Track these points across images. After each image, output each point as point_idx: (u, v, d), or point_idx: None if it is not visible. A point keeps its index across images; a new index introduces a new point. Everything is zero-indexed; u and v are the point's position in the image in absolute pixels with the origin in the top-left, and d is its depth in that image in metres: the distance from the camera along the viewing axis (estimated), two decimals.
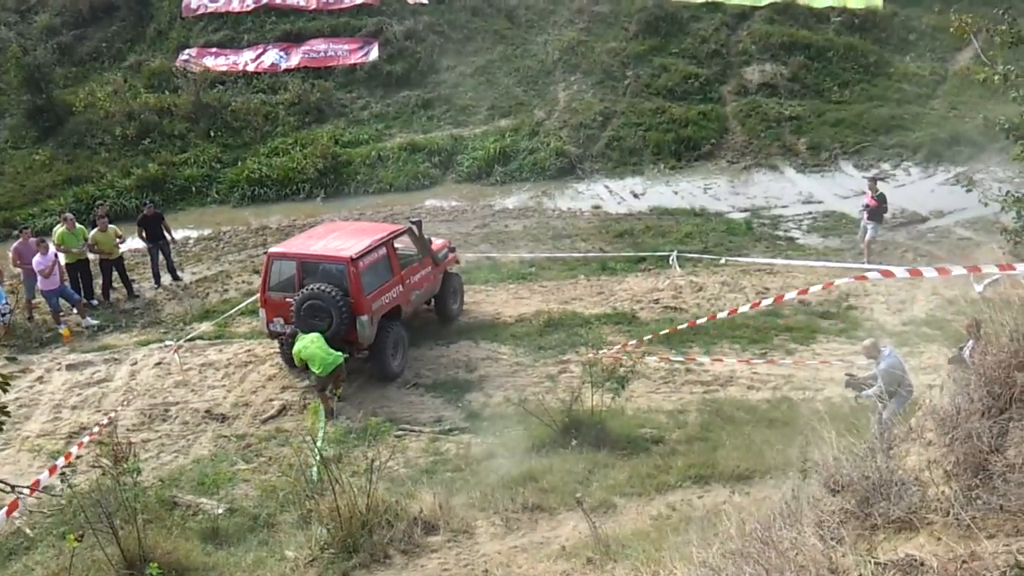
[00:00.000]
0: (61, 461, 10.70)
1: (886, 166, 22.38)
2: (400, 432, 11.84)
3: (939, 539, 4.34)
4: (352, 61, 26.52)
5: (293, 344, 12.53)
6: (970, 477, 4.62)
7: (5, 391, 5.03)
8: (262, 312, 13.60)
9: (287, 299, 13.05)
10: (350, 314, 12.75)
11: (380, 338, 13.23)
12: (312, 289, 12.73)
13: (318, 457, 9.37)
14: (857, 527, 4.75)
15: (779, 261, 17.40)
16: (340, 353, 12.48)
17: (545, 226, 20.06)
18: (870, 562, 4.28)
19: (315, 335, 12.43)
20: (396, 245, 14.27)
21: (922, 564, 4.16)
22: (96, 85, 25.67)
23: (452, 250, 15.95)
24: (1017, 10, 25.38)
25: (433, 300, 15.23)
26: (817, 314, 15.05)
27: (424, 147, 23.69)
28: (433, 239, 15.55)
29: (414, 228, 14.55)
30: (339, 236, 14.08)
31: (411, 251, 14.62)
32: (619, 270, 17.46)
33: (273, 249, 14.19)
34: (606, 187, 22.37)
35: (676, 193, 21.90)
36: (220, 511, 10.36)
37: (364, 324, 12.89)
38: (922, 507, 4.63)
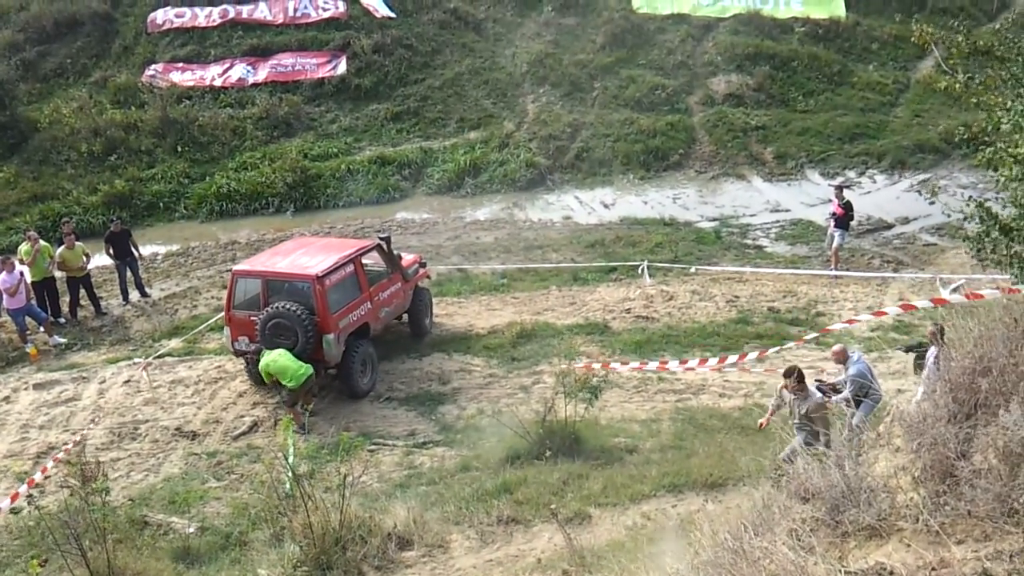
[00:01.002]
0: (24, 488, 10.55)
1: (852, 174, 22.67)
2: (373, 446, 11.79)
3: (908, 546, 4.39)
4: (320, 75, 26.42)
5: (259, 360, 12.37)
6: (938, 483, 4.68)
7: None
8: (227, 330, 13.43)
9: (252, 317, 12.88)
10: (316, 333, 12.57)
11: (348, 356, 13.08)
12: (277, 308, 12.57)
13: (290, 473, 9.29)
14: (828, 535, 4.79)
15: (748, 269, 17.57)
16: (310, 365, 12.38)
17: (516, 237, 20.10)
18: (841, 571, 4.32)
19: (281, 349, 12.31)
20: (365, 261, 14.16)
21: (892, 572, 4.22)
22: (61, 101, 25.34)
23: (423, 265, 15.82)
24: (975, 19, 25.93)
25: (406, 316, 15.13)
26: (786, 321, 15.20)
27: (394, 160, 23.64)
28: (403, 254, 15.42)
29: (383, 244, 14.41)
30: (306, 253, 13.91)
31: (380, 267, 14.51)
32: (590, 280, 17.53)
33: (237, 267, 14.05)
34: (576, 198, 22.46)
35: (646, 203, 22.03)
36: (191, 530, 10.26)
37: (331, 343, 12.74)
38: (891, 514, 4.68)
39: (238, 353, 13.52)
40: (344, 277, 13.34)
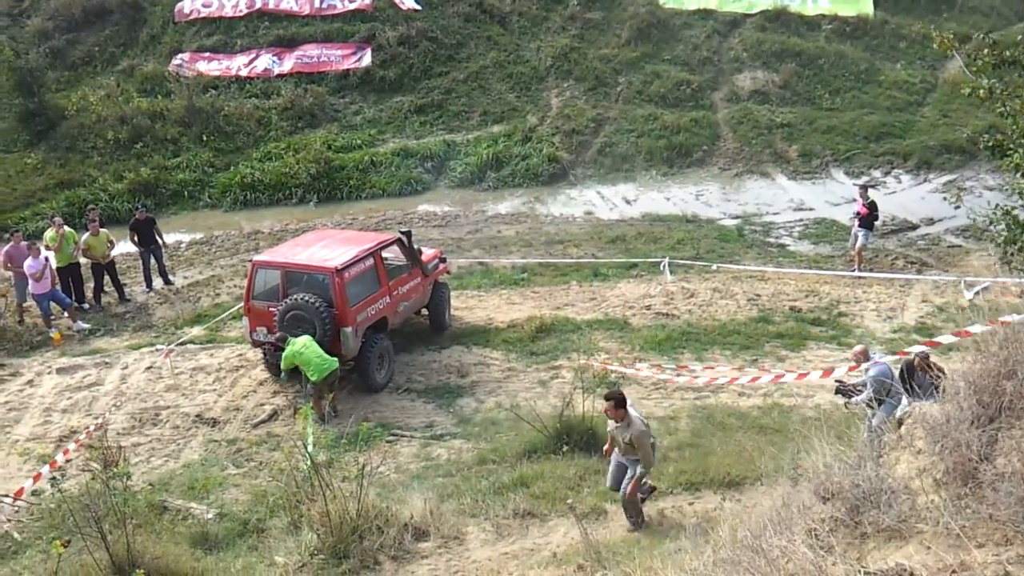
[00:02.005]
0: (46, 469, 10.67)
1: (877, 173, 22.47)
2: (391, 437, 11.84)
3: (929, 548, 4.35)
4: (345, 66, 26.51)
5: (284, 348, 12.32)
6: (960, 486, 4.63)
7: None
8: (245, 320, 13.46)
9: (271, 308, 12.90)
10: (333, 325, 12.58)
11: (365, 350, 13.07)
12: (295, 299, 12.58)
13: (309, 461, 9.34)
14: (847, 535, 4.76)
15: (770, 268, 17.46)
16: (335, 358, 12.38)
17: (537, 232, 20.08)
18: (860, 571, 4.29)
19: (307, 339, 12.26)
20: (385, 255, 14.14)
21: (912, 573, 4.18)
22: (89, 89, 25.60)
23: (443, 260, 15.77)
24: (1005, 19, 25.62)
25: (426, 310, 15.11)
26: (808, 321, 15.08)
27: (417, 152, 23.70)
28: (424, 249, 15.40)
29: (403, 238, 14.37)
30: (326, 245, 13.89)
31: (400, 261, 14.47)
32: (611, 276, 17.48)
33: (258, 257, 14.09)
34: (598, 193, 22.41)
35: (668, 199, 21.95)
36: (210, 516, 10.32)
37: (348, 336, 12.73)
38: (912, 516, 4.64)
39: (256, 343, 13.54)
40: (364, 271, 13.33)
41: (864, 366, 10.27)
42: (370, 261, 13.52)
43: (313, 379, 12.19)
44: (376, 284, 13.55)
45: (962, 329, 9.41)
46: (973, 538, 4.25)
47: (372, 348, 13.15)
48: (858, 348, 10.41)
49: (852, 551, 4.60)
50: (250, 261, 14.22)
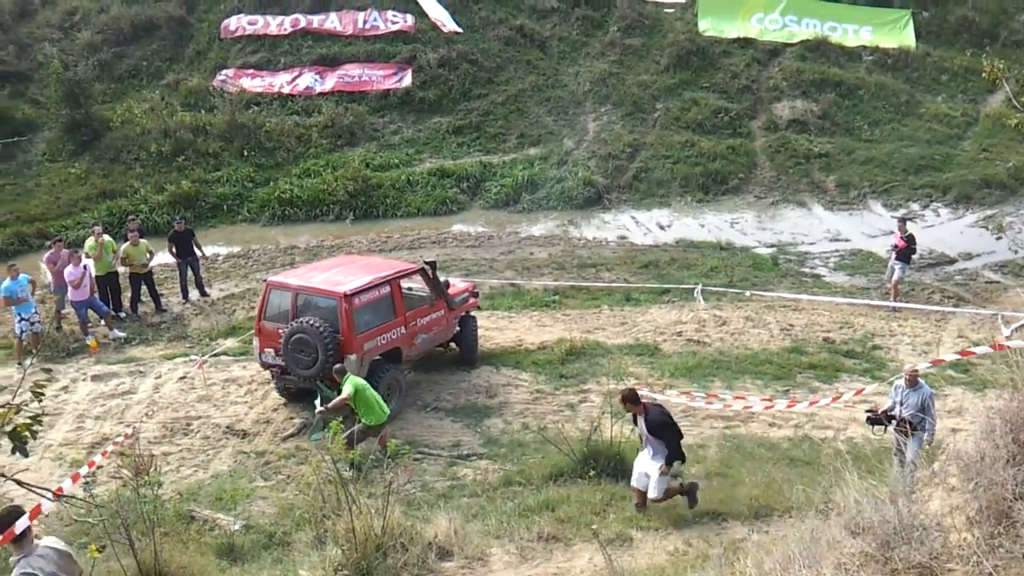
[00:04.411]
0: (85, 470, 10.79)
1: (915, 206, 22.27)
2: (418, 455, 11.82)
3: None
4: (386, 86, 26.83)
5: (341, 383, 11.68)
6: (993, 525, 4.57)
7: (40, 400, 5.06)
8: (256, 341, 13.27)
9: (280, 330, 12.68)
10: (336, 352, 12.26)
11: (372, 379, 12.42)
12: (301, 322, 12.40)
13: (339, 474, 9.33)
14: (877, 571, 4.70)
15: (804, 297, 17.33)
16: (387, 411, 11.94)
17: (570, 255, 20.10)
18: None
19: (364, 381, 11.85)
20: (408, 285, 13.96)
21: None
22: (134, 102, 26.13)
23: (475, 295, 15.38)
24: None
25: (455, 344, 14.80)
26: (842, 352, 14.93)
27: (453, 173, 23.88)
28: (456, 282, 15.17)
29: (427, 269, 14.04)
30: (343, 270, 13.67)
31: (424, 292, 14.15)
32: (643, 301, 17.44)
33: (272, 278, 13.96)
34: (633, 218, 22.41)
35: (703, 226, 21.89)
36: (236, 527, 10.37)
37: (352, 363, 12.30)
38: (943, 553, 4.58)
39: (265, 365, 13.34)
40: (377, 298, 13.01)
41: (896, 385, 10.18)
42: (385, 289, 13.18)
43: (367, 422, 11.64)
44: (391, 313, 13.18)
45: (997, 342, 9.32)
46: None
47: (380, 378, 12.67)
48: (909, 367, 10.26)
49: None
50: (264, 281, 14.09)
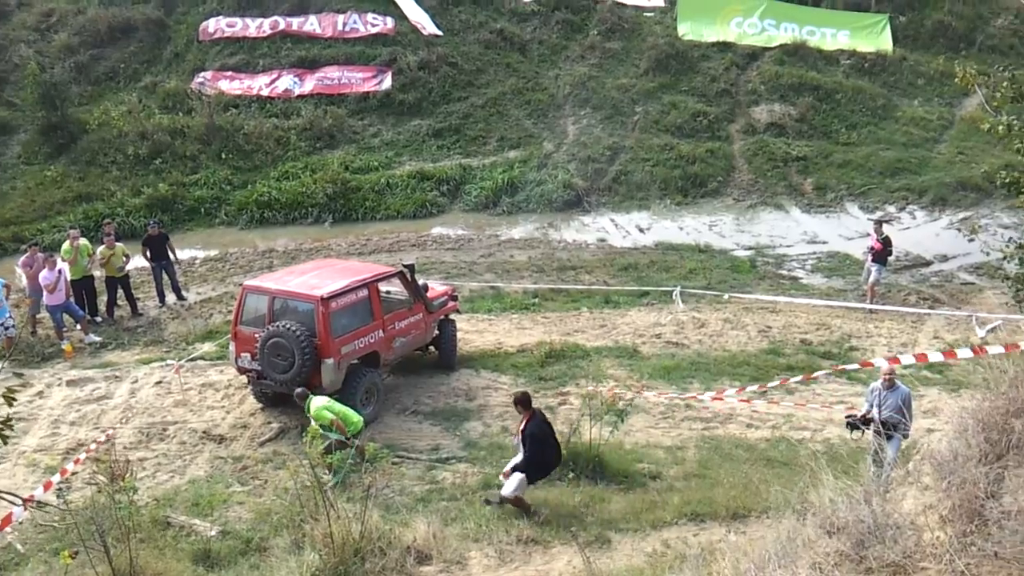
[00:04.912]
0: (57, 477, 10.68)
1: (891, 209, 22.46)
2: (396, 459, 11.77)
3: None
4: (365, 89, 26.77)
5: (306, 406, 11.52)
6: (965, 523, 4.60)
7: (10, 405, 5.02)
8: (232, 346, 13.10)
9: (257, 334, 12.51)
10: (314, 356, 12.12)
11: (350, 384, 12.48)
12: (277, 326, 12.25)
13: (320, 480, 9.27)
14: (852, 570, 4.73)
15: (782, 299, 17.43)
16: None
17: (550, 257, 20.12)
18: None
19: (327, 398, 11.69)
20: (385, 288, 13.88)
21: None
22: (111, 104, 25.92)
23: (454, 299, 15.34)
24: (1023, 56, 25.59)
25: (434, 347, 14.72)
26: (819, 354, 15.03)
27: (433, 176, 23.85)
28: (434, 285, 15.12)
29: (406, 272, 13.91)
30: (320, 274, 13.52)
31: (402, 295, 14.06)
32: (622, 303, 17.48)
33: (248, 282, 13.76)
34: (612, 221, 22.46)
35: (681, 229, 21.98)
36: (213, 533, 10.29)
37: (329, 368, 12.20)
38: (917, 552, 4.61)
39: (241, 370, 13.15)
40: (355, 302, 12.89)
41: (872, 387, 10.25)
42: (363, 292, 13.05)
43: (351, 431, 11.28)
44: (368, 317, 13.06)
45: (1011, 343, 9.42)
46: (978, 575, 4.22)
47: (357, 382, 12.61)
48: (886, 369, 10.30)
49: None
50: (239, 285, 13.89)
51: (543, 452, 10.09)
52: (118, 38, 28.54)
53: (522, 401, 10.21)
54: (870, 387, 10.52)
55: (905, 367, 14.18)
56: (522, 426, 10.16)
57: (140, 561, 8.45)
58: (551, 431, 10.30)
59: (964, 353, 10.23)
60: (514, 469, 10.09)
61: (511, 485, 10.02)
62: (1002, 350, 10.25)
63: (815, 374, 12.50)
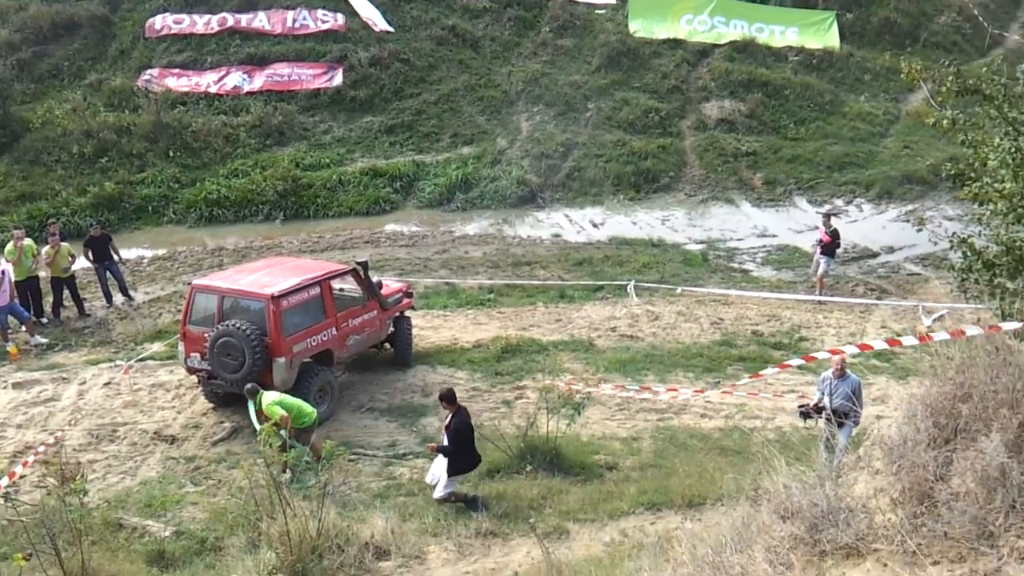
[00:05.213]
0: (4, 480, 10.44)
1: (839, 202, 22.86)
2: (353, 456, 11.69)
3: (885, 565, 4.40)
4: (316, 86, 26.49)
5: (257, 402, 11.27)
6: (916, 505, 4.69)
7: None
8: (181, 346, 12.90)
9: (206, 334, 12.33)
10: (265, 355, 11.99)
11: (303, 383, 12.37)
12: (227, 325, 12.10)
13: (277, 477, 9.18)
14: (806, 553, 4.80)
15: (734, 292, 17.66)
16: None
17: (505, 253, 20.14)
18: None
19: (278, 393, 11.51)
20: (339, 286, 13.78)
21: None
22: (55, 102, 25.23)
23: (409, 295, 15.24)
24: (967, 54, 26.23)
25: (389, 345, 14.66)
26: (770, 344, 15.26)
27: (386, 172, 23.70)
28: (388, 282, 15.04)
29: (359, 269, 13.84)
30: (271, 272, 13.37)
31: (356, 293, 13.98)
32: (577, 298, 17.56)
33: (197, 281, 13.62)
34: (566, 216, 22.55)
35: (635, 224, 22.14)
36: (167, 534, 10.17)
37: (281, 367, 12.11)
38: (869, 534, 4.69)
39: (191, 370, 12.96)
40: (306, 300, 12.78)
41: (823, 377, 10.43)
42: (315, 290, 12.95)
43: (306, 423, 11.27)
44: (321, 315, 12.96)
45: (956, 329, 9.65)
46: (928, 555, 4.31)
47: (310, 381, 12.50)
48: (837, 358, 10.48)
49: (811, 568, 4.65)
50: (188, 284, 13.67)
51: (467, 446, 10.18)
52: (62, 35, 27.87)
53: (446, 397, 10.31)
54: (821, 376, 10.70)
55: (854, 356, 14.47)
56: (447, 422, 10.28)
57: (93, 564, 8.32)
58: (472, 431, 10.39)
59: (909, 340, 10.48)
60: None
61: (440, 487, 10.16)
62: (947, 336, 10.51)
63: (762, 372, 12.66)
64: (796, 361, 12.17)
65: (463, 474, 10.27)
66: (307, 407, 11.42)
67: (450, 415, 10.23)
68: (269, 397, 11.24)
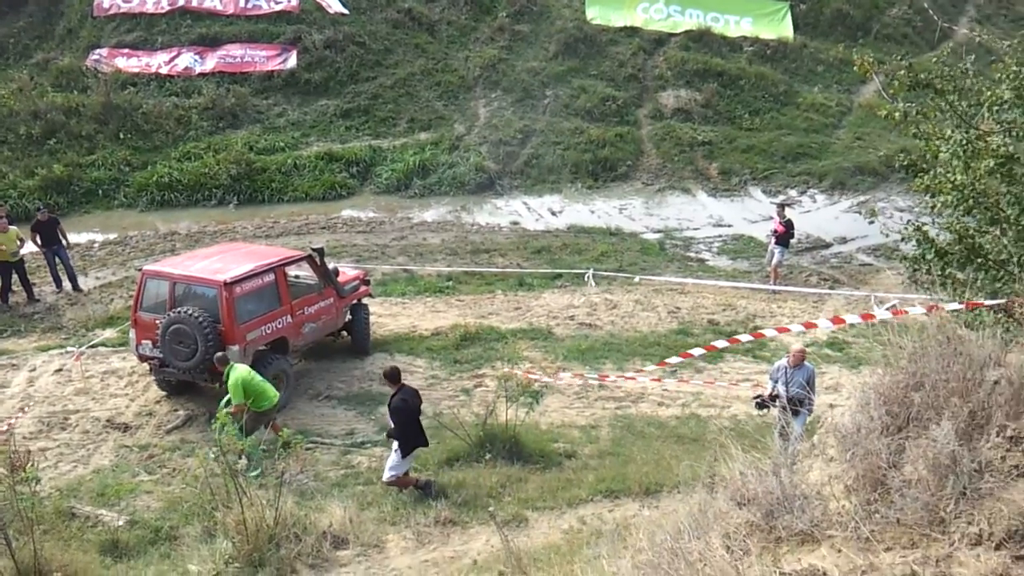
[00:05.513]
0: None
1: (793, 192, 23.17)
2: (310, 444, 11.64)
3: (840, 551, 4.49)
4: (269, 68, 26.14)
5: (226, 376, 11.23)
6: (869, 492, 4.79)
7: None
8: (132, 333, 12.69)
9: (158, 321, 12.13)
10: (218, 342, 11.84)
11: (257, 371, 11.86)
12: (179, 312, 11.93)
13: (232, 465, 9.08)
14: (762, 539, 4.88)
15: (690, 281, 17.83)
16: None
17: (463, 240, 20.11)
18: (775, 572, 4.41)
19: (248, 367, 11.44)
20: (294, 273, 13.65)
21: (824, 574, 4.32)
22: (0, 81, 24.67)
23: (366, 283, 15.15)
24: (917, 47, 26.61)
25: (347, 332, 14.59)
26: (725, 333, 15.40)
27: (342, 157, 23.50)
28: (345, 269, 14.94)
29: (315, 255, 13.70)
30: (224, 258, 13.20)
31: (312, 280, 13.85)
32: (536, 286, 17.61)
33: (148, 266, 13.39)
34: (524, 204, 22.56)
35: (593, 212, 22.24)
36: (120, 523, 10.04)
37: (234, 355, 11.84)
38: (824, 521, 4.78)
39: (142, 358, 12.78)
40: (260, 287, 12.64)
41: (777, 366, 10.59)
42: (269, 277, 12.79)
43: (267, 407, 11.24)
44: (276, 302, 12.82)
45: (898, 309, 9.87)
46: (881, 541, 4.41)
47: (265, 369, 12.15)
48: (797, 348, 10.66)
49: (767, 554, 4.73)
50: (139, 270, 13.43)
51: (411, 424, 10.01)
52: (6, 12, 27.22)
53: (389, 375, 10.21)
54: (775, 366, 10.86)
55: (807, 345, 14.71)
56: (388, 401, 10.21)
57: (45, 553, 8.18)
58: (417, 405, 10.20)
59: (852, 319, 10.75)
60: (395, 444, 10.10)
61: (387, 469, 10.05)
62: (889, 316, 10.72)
63: (715, 344, 12.79)
64: (745, 337, 12.35)
65: (412, 453, 10.08)
66: (271, 390, 11.35)
67: (393, 394, 10.13)
68: (239, 370, 11.14)
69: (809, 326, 12.21)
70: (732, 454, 6.00)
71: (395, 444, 10.00)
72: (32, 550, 7.97)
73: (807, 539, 4.73)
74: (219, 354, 11.50)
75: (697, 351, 11.84)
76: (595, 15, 28.79)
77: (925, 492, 4.52)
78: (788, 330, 13.54)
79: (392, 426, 10.10)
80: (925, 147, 10.24)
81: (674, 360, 12.36)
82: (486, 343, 14.73)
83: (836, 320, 10.99)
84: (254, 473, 10.68)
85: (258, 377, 11.33)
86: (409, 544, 9.05)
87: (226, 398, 11.19)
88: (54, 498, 10.33)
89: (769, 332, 12.94)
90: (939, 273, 9.25)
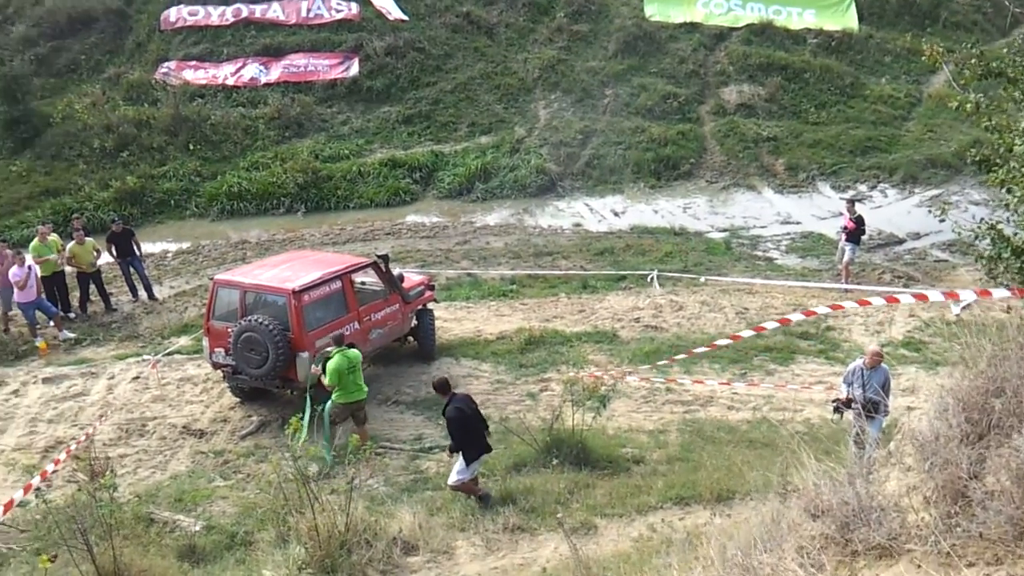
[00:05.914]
0: (37, 479, 10.57)
1: (863, 187, 22.64)
2: (380, 450, 11.76)
3: (919, 566, 4.37)
4: (332, 76, 26.51)
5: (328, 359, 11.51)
6: (949, 504, 4.65)
7: None
8: (205, 341, 13.02)
9: (229, 329, 12.43)
10: (287, 350, 12.09)
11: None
12: (250, 320, 12.18)
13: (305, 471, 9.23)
14: (837, 553, 4.78)
15: (758, 281, 17.54)
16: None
17: (526, 243, 20.11)
18: None
19: (356, 353, 11.68)
20: (360, 279, 13.82)
21: None
22: (74, 97, 25.47)
23: (431, 288, 15.25)
24: (988, 34, 25.85)
25: (412, 338, 14.69)
26: (796, 335, 15.14)
27: (405, 163, 23.71)
28: (410, 275, 15.07)
29: (380, 262, 13.86)
30: (292, 267, 13.42)
31: (378, 286, 13.99)
32: (600, 288, 17.52)
33: (220, 276, 13.71)
34: (586, 205, 22.48)
35: (656, 212, 22.04)
36: (197, 528, 10.27)
37: (304, 362, 12.15)
38: (902, 534, 4.66)
39: (216, 366, 13.08)
40: (328, 294, 12.84)
41: (852, 368, 10.31)
42: (336, 284, 13.00)
43: (348, 399, 11.56)
44: (343, 309, 13.00)
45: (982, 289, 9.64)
46: (963, 557, 4.28)
47: None
48: (873, 349, 10.37)
49: (843, 569, 4.62)
50: (211, 279, 13.77)
51: (467, 431, 9.98)
52: (79, 29, 28.03)
53: (437, 387, 10.24)
54: (850, 368, 10.56)
55: (882, 346, 14.37)
56: (443, 410, 10.21)
57: (124, 559, 8.41)
58: (473, 411, 10.19)
59: (878, 301, 10.46)
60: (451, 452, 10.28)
61: (453, 473, 10.08)
62: (912, 300, 10.35)
63: (763, 326, 12.64)
64: (771, 324, 12.23)
65: (476, 460, 10.08)
66: (362, 387, 11.67)
67: (445, 404, 10.15)
68: (338, 359, 11.34)
69: (809, 314, 12.04)
70: (805, 462, 5.89)
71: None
72: (112, 555, 8.20)
73: (885, 553, 4.61)
74: (328, 349, 11.69)
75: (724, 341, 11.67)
76: (654, 12, 28.53)
77: (1009, 505, 4.37)
78: (842, 307, 13.32)
79: (451, 441, 10.14)
80: (999, 140, 9.92)
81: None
82: (551, 347, 14.70)
83: (862, 302, 10.74)
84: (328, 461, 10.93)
85: (358, 371, 11.55)
86: (478, 551, 9.08)
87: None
88: (133, 504, 10.59)
89: (821, 310, 12.84)
90: (1017, 271, 8.96)
